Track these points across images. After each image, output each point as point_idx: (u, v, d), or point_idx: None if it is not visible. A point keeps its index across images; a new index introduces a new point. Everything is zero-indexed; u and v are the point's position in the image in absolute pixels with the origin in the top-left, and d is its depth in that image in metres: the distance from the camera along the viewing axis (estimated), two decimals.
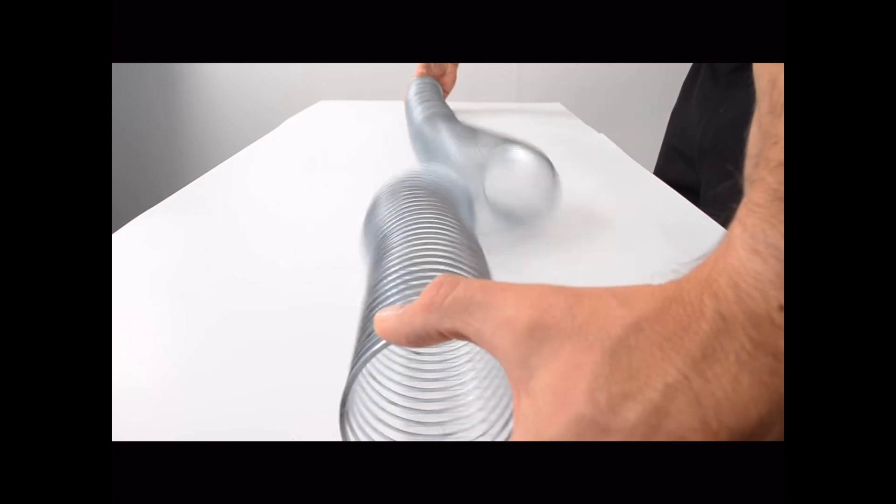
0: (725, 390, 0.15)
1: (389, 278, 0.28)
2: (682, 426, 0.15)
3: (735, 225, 0.17)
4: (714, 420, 0.15)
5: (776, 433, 0.15)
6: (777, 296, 0.15)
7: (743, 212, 0.17)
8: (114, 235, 0.54)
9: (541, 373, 0.17)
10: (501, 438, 0.26)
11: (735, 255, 0.16)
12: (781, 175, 0.16)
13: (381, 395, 0.28)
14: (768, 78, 0.18)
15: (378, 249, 0.33)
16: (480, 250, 0.33)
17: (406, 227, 0.33)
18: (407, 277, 0.27)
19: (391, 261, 0.29)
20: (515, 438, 0.18)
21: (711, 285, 0.16)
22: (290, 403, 0.32)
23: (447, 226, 0.33)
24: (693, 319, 0.16)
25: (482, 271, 0.30)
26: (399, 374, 0.31)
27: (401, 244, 0.31)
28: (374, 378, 0.29)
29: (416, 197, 0.38)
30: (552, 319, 0.17)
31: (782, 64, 0.17)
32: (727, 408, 0.15)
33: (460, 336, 0.20)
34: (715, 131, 0.77)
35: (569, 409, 0.16)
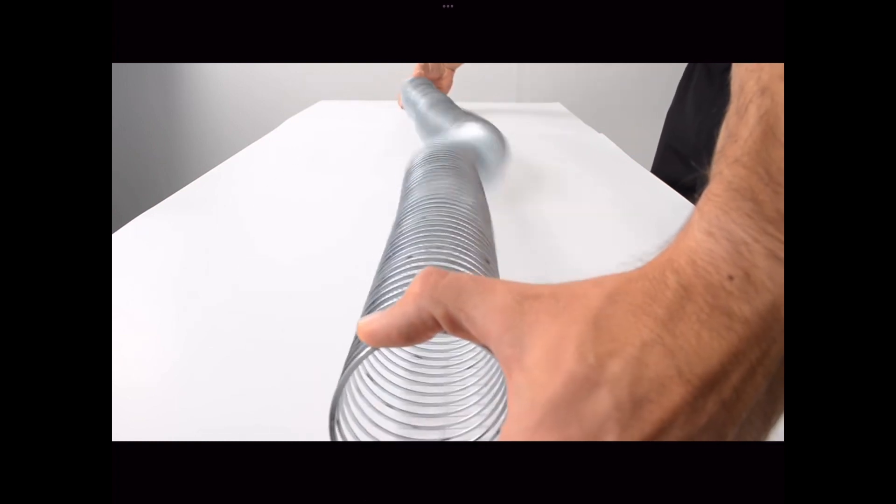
0: (691, 343, 0.17)
1: (389, 281, 0.28)
2: (659, 374, 0.17)
3: (694, 212, 0.20)
4: (685, 368, 0.17)
5: (735, 379, 0.17)
6: (727, 268, 0.18)
7: (702, 201, 0.19)
8: (114, 235, 0.54)
9: (532, 348, 0.19)
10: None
11: (692, 237, 0.19)
12: (736, 169, 0.18)
13: (379, 397, 0.28)
14: (738, 83, 0.20)
15: (392, 240, 0.33)
16: (491, 255, 0.33)
17: (419, 225, 0.33)
18: (406, 281, 0.27)
19: (395, 262, 0.29)
20: (511, 412, 0.19)
21: (672, 263, 0.19)
22: (291, 403, 0.32)
23: (461, 229, 0.32)
24: (659, 290, 0.18)
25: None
26: (399, 376, 0.31)
27: (409, 244, 0.31)
28: (372, 380, 0.29)
29: (438, 178, 0.39)
30: (540, 305, 0.19)
31: (752, 70, 0.19)
32: (694, 358, 0.17)
33: (452, 322, 0.21)
34: (709, 130, 0.77)
35: (562, 371, 0.18)
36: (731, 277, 0.17)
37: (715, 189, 0.19)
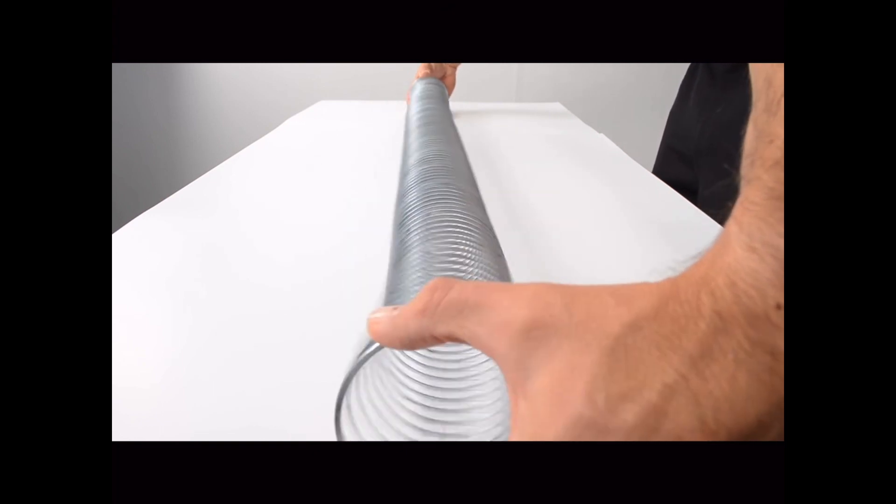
0: (723, 389, 0.15)
1: (410, 279, 0.28)
2: (680, 426, 0.15)
3: (731, 223, 0.17)
4: (712, 419, 0.15)
5: (775, 433, 0.15)
6: (774, 294, 0.15)
7: (739, 210, 0.17)
8: (114, 235, 0.54)
9: (538, 374, 0.17)
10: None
11: (732, 253, 0.16)
12: (777, 173, 0.16)
13: (393, 394, 0.28)
14: (764, 77, 0.18)
15: (400, 236, 0.34)
16: (500, 249, 0.33)
17: (429, 221, 0.33)
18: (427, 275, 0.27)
19: (412, 258, 0.29)
20: (513, 440, 0.18)
21: (709, 283, 0.16)
22: (291, 403, 0.32)
23: (470, 224, 0.33)
24: (691, 318, 0.15)
25: (502, 274, 0.30)
26: (416, 371, 0.31)
27: (422, 242, 0.31)
28: (391, 374, 0.29)
29: (440, 177, 0.39)
30: (549, 318, 0.17)
31: (778, 63, 0.17)
32: (725, 407, 0.14)
33: (456, 339, 0.20)
34: (712, 131, 0.77)
35: (567, 411, 0.16)
36: (778, 307, 0.15)
37: (753, 196, 0.16)
